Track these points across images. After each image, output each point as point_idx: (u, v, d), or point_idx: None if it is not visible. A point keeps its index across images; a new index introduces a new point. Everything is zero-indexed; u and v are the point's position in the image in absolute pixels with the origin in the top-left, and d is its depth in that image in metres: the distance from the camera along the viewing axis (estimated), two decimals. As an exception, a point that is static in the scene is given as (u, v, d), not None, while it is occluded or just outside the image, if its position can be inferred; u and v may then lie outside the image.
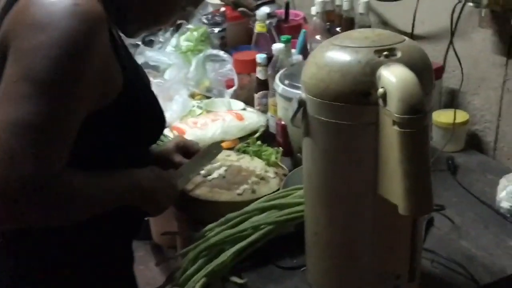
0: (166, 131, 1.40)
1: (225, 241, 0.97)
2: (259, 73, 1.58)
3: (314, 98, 0.73)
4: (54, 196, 0.75)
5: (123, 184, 0.89)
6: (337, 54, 0.71)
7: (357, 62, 0.69)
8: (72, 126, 0.76)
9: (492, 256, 0.97)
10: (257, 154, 1.30)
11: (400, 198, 0.66)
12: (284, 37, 1.56)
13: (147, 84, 1.01)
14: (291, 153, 1.30)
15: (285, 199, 1.03)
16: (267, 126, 1.52)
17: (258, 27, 1.74)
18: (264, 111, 1.59)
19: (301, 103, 0.75)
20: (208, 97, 1.75)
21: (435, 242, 1.01)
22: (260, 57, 1.54)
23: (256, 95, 1.62)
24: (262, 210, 1.01)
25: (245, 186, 1.14)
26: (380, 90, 0.67)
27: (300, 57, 1.67)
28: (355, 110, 0.70)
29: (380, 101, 0.67)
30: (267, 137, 1.47)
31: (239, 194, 1.11)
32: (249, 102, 1.68)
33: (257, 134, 1.46)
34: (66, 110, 0.75)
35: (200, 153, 1.21)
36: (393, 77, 0.66)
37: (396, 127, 0.65)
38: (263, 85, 1.58)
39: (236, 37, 2.08)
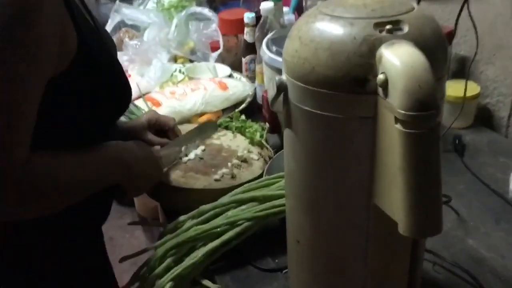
0: (140, 102, 1.25)
1: (197, 238, 0.85)
2: (247, 35, 1.41)
3: (296, 82, 0.57)
4: (25, 188, 0.64)
5: (107, 161, 0.78)
6: (327, 27, 0.55)
7: (352, 38, 0.53)
8: (30, 102, 0.63)
9: (504, 259, 0.84)
10: (241, 131, 1.15)
11: (401, 215, 0.52)
12: (274, -6, 1.38)
13: (109, 49, 0.86)
14: (278, 130, 1.16)
15: (268, 190, 0.89)
16: (254, 96, 1.37)
17: (247, -19, 1.55)
18: (252, 77, 1.43)
19: (281, 88, 0.60)
20: (191, 61, 1.58)
21: (439, 240, 0.87)
22: (248, 16, 1.37)
23: (244, 60, 1.46)
24: (241, 202, 0.88)
25: (224, 170, 1.00)
26: (380, 77, 0.51)
27: (293, 17, 1.49)
28: (348, 101, 0.54)
29: (380, 91, 0.52)
30: (254, 109, 1.33)
31: (216, 180, 0.98)
32: (236, 67, 1.52)
33: (242, 106, 1.31)
34: (19, 85, 0.61)
35: (191, 132, 1.07)
36: (398, 59, 0.50)
37: (399, 126, 0.50)
38: (251, 48, 1.42)
39: (225, -8, 1.89)
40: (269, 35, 1.18)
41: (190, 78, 1.44)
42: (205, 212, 0.88)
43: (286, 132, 0.64)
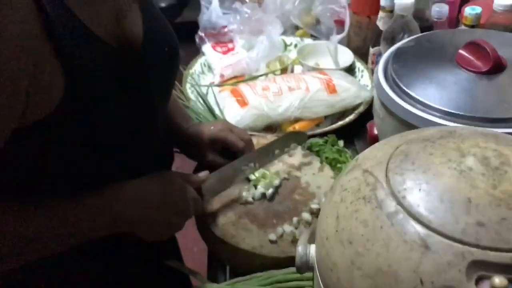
0: (223, 96, 1.05)
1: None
2: (381, 21, 1.10)
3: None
4: None
5: (82, 213, 0.62)
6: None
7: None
8: None
9: None
10: (332, 164, 0.91)
11: None
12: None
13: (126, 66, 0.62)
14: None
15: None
16: (369, 106, 1.08)
17: None
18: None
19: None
20: (314, 37, 1.31)
21: None
22: (385, -2, 1.05)
23: (372, 50, 1.16)
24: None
25: (286, 226, 0.78)
26: None
27: (446, 8, 1.10)
28: None
29: None
30: (364, 121, 1.03)
31: (271, 242, 0.76)
32: (362, 55, 1.22)
33: (349, 118, 1.04)
34: None
35: (266, 147, 0.85)
36: None
37: None
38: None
39: None
40: (394, 47, 0.84)
41: (298, 62, 1.19)
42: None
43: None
